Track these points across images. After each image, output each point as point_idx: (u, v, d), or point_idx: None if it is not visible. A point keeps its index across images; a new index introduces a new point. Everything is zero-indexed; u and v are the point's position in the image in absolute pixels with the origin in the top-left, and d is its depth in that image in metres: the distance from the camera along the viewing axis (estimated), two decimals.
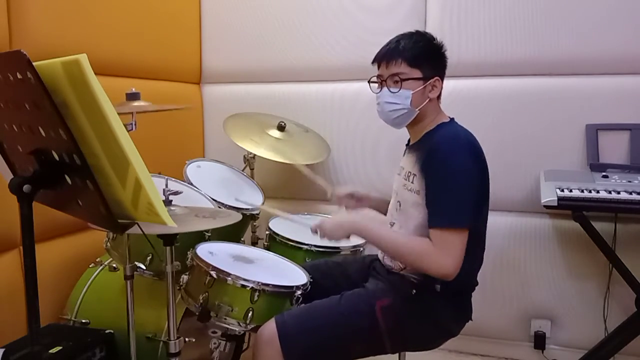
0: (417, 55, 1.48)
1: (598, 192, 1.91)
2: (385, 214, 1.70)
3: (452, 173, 1.40)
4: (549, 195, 1.93)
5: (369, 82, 1.57)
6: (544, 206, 1.93)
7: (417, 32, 1.54)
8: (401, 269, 1.55)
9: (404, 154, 1.67)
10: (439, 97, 1.55)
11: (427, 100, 1.50)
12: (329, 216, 1.56)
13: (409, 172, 1.53)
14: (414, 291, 1.50)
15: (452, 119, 1.57)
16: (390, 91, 1.49)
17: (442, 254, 1.37)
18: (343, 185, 1.92)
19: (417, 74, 1.48)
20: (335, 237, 1.51)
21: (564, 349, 2.39)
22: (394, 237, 1.49)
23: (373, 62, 1.56)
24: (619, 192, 1.88)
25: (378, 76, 1.54)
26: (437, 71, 1.51)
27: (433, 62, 1.51)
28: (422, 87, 1.48)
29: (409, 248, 1.43)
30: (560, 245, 2.35)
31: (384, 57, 1.51)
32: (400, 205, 1.57)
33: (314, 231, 1.53)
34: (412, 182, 1.50)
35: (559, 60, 2.29)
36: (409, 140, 1.65)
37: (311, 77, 2.70)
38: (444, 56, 1.54)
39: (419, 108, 1.50)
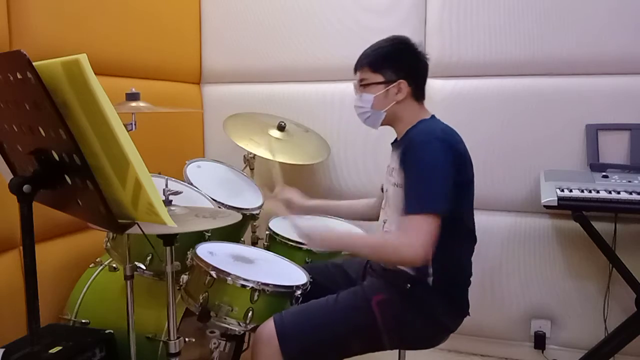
0: (377, 61, 1.57)
1: (598, 192, 1.91)
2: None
3: (424, 163, 1.46)
4: (549, 195, 1.93)
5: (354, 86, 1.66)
6: (544, 206, 1.93)
7: (387, 38, 1.61)
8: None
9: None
10: (419, 96, 1.60)
11: (393, 103, 1.56)
12: (313, 225, 1.64)
13: (393, 168, 1.59)
14: (409, 285, 1.52)
15: (432, 116, 1.61)
16: (358, 95, 1.61)
17: (405, 237, 1.41)
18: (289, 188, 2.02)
19: (379, 78, 1.56)
20: (321, 248, 1.64)
21: (564, 349, 2.39)
22: (366, 241, 1.57)
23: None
24: (619, 192, 1.88)
25: (355, 82, 1.65)
26: (402, 74, 1.56)
27: (394, 66, 1.56)
28: (383, 90, 1.56)
29: (376, 245, 1.50)
30: (560, 245, 2.35)
31: (355, 65, 1.63)
32: (387, 201, 1.62)
33: (302, 238, 1.61)
34: (393, 177, 1.56)
35: (559, 60, 2.29)
36: (395, 139, 1.67)
37: (311, 77, 2.70)
38: (413, 59, 1.58)
39: (384, 110, 1.58)
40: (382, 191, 1.70)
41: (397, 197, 1.53)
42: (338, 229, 2.04)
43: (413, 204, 1.42)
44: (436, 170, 1.43)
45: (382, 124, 1.62)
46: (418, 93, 1.59)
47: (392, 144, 1.68)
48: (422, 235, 1.38)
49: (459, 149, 1.50)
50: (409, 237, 1.39)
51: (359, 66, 1.60)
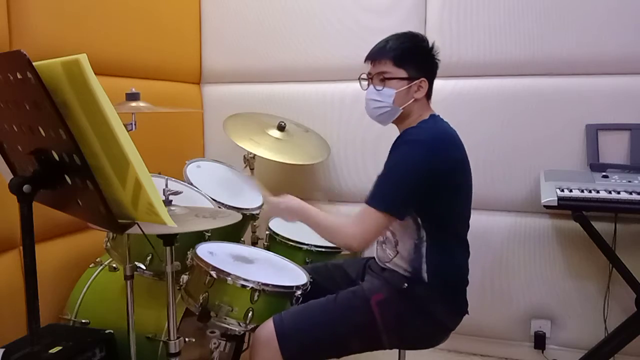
0: (403, 56, 1.53)
1: (598, 192, 1.91)
2: None
3: (396, 162, 1.48)
4: (549, 195, 1.93)
5: (359, 79, 1.62)
6: (544, 206, 1.93)
7: (408, 33, 1.58)
8: (390, 259, 1.59)
9: None
10: (428, 97, 1.59)
11: (411, 100, 1.55)
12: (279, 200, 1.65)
13: None
14: (406, 284, 1.52)
15: (431, 115, 1.59)
16: (375, 89, 1.55)
17: (354, 225, 1.46)
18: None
19: (402, 73, 1.53)
20: (279, 215, 1.63)
21: (564, 349, 2.39)
22: (324, 216, 1.56)
23: (365, 60, 1.61)
24: (619, 192, 1.88)
25: (368, 74, 1.60)
26: (424, 72, 1.55)
27: (419, 63, 1.54)
28: (406, 86, 1.53)
29: (328, 223, 1.52)
30: (560, 245, 2.35)
31: (372, 56, 1.57)
32: None
33: (266, 203, 1.65)
34: None
35: (559, 60, 2.29)
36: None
37: (311, 77, 2.70)
38: (432, 58, 1.58)
39: (402, 107, 1.55)
40: None
41: None
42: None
43: (374, 198, 1.45)
44: (407, 174, 1.45)
45: (392, 121, 1.60)
46: (430, 93, 1.59)
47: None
48: (370, 229, 1.44)
49: (448, 155, 1.49)
50: (358, 227, 1.45)
51: (379, 58, 1.54)
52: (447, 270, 1.53)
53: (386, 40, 1.56)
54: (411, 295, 1.52)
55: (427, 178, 1.45)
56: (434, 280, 1.51)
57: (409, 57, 1.53)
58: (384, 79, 1.53)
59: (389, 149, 1.55)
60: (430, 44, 1.58)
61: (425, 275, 1.51)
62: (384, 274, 1.60)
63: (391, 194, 1.45)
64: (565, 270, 2.35)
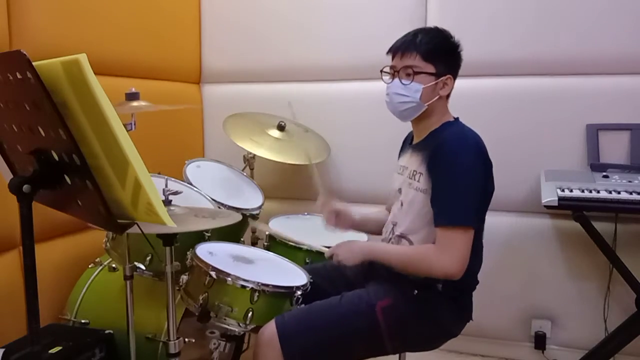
0: (433, 51, 1.48)
1: (598, 192, 1.91)
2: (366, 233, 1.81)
3: (460, 172, 1.40)
4: (549, 195, 1.92)
5: (381, 71, 1.57)
6: (545, 206, 1.93)
7: (436, 29, 1.55)
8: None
9: (402, 152, 1.68)
10: (448, 96, 1.56)
11: (437, 97, 1.51)
12: (340, 240, 1.60)
13: (415, 170, 1.53)
14: (416, 291, 1.50)
15: (456, 119, 1.57)
16: (401, 83, 1.49)
17: (445, 253, 1.38)
18: (338, 194, 1.92)
19: (431, 69, 1.48)
20: (350, 262, 1.52)
21: (564, 349, 2.39)
22: (400, 250, 1.51)
23: (388, 52, 1.55)
24: (619, 192, 1.88)
25: (391, 67, 1.54)
26: (450, 69, 1.51)
27: (447, 59, 1.51)
28: (433, 82, 1.49)
29: (412, 256, 1.45)
30: (561, 245, 2.35)
31: (399, 49, 1.51)
32: (402, 205, 1.57)
33: (329, 257, 1.57)
34: (418, 181, 1.50)
35: (559, 60, 2.29)
36: (408, 139, 1.65)
37: (311, 77, 2.70)
38: (459, 55, 1.55)
39: (427, 103, 1.50)
40: (399, 192, 1.61)
41: (420, 203, 1.48)
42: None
43: (447, 216, 1.39)
44: (470, 180, 1.40)
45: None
46: (451, 92, 1.56)
47: (411, 144, 1.62)
48: (462, 251, 1.37)
49: (489, 158, 1.47)
50: (446, 253, 1.37)
51: (407, 51, 1.48)
52: (462, 278, 1.43)
53: (414, 34, 1.50)
54: (420, 302, 1.49)
55: (484, 183, 1.43)
56: (447, 289, 1.48)
57: (439, 52, 1.48)
58: (412, 73, 1.47)
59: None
60: (457, 41, 1.54)
61: (440, 283, 1.48)
62: (391, 278, 1.56)
63: (465, 205, 1.39)
64: (566, 271, 2.35)
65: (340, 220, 1.76)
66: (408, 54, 1.48)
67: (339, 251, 1.55)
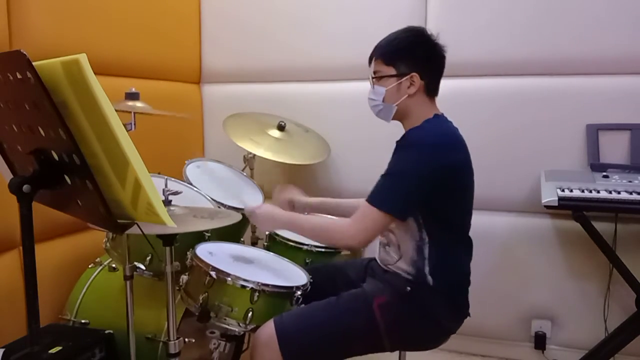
0: (390, 53, 1.54)
1: (598, 192, 1.91)
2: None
3: (400, 164, 1.48)
4: (549, 195, 1.93)
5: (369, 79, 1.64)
6: (545, 206, 1.93)
7: (401, 29, 1.57)
8: (394, 261, 1.57)
9: None
10: (432, 92, 1.57)
11: (405, 96, 1.54)
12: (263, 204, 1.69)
13: None
14: (409, 288, 1.51)
15: (435, 115, 1.57)
16: (372, 87, 1.59)
17: (354, 224, 1.45)
18: (286, 186, 2.02)
19: (391, 71, 1.54)
20: (264, 228, 1.65)
21: (564, 349, 2.39)
22: (318, 220, 1.59)
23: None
24: (619, 192, 1.88)
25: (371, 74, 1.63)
26: (415, 67, 1.52)
27: (408, 59, 1.53)
28: (395, 83, 1.53)
29: (326, 225, 1.53)
30: (561, 245, 2.35)
31: (370, 56, 1.60)
32: None
33: (247, 214, 1.65)
34: None
35: (559, 60, 2.29)
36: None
37: (311, 77, 2.70)
38: (426, 52, 1.54)
39: (396, 104, 1.55)
40: None
41: None
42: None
43: (377, 197, 1.46)
44: (410, 175, 1.44)
45: (393, 118, 1.60)
46: (431, 88, 1.56)
47: (397, 142, 1.65)
48: (366, 226, 1.44)
49: (451, 157, 1.47)
50: (359, 225, 1.44)
51: (373, 57, 1.58)
52: (450, 272, 1.52)
53: (381, 40, 1.58)
54: (414, 299, 1.51)
55: (430, 181, 1.44)
56: (437, 283, 1.50)
57: (397, 53, 1.53)
58: (377, 77, 1.56)
59: (388, 149, 1.54)
60: (428, 37, 1.54)
61: (429, 278, 1.50)
62: (386, 277, 1.59)
63: (394, 194, 1.45)
64: (566, 270, 2.35)
65: (295, 209, 1.87)
66: (374, 60, 1.58)
67: (260, 212, 1.62)
